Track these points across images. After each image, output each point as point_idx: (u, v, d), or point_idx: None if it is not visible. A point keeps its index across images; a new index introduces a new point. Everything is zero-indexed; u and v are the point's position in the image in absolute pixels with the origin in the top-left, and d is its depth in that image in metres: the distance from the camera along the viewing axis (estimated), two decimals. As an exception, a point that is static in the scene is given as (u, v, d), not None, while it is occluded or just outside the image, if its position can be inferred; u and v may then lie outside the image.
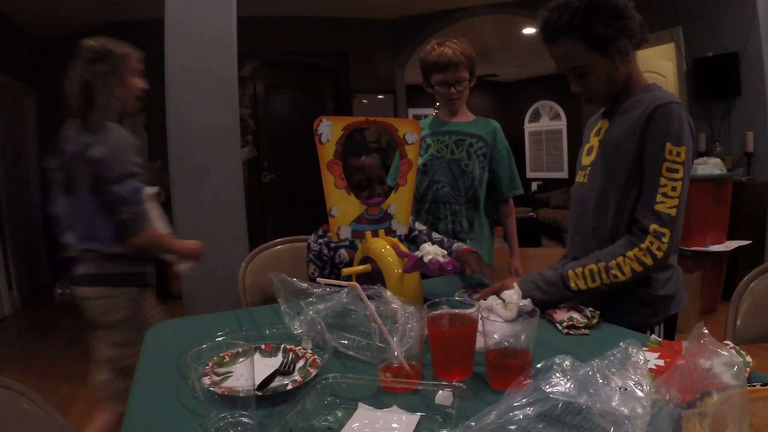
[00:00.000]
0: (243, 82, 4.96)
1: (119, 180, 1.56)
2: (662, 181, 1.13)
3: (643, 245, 1.13)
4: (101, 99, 1.61)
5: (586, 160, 1.34)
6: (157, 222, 1.75)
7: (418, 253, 1.15)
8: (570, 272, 1.16)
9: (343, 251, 1.50)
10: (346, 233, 1.24)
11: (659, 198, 1.13)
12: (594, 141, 1.33)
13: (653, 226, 1.12)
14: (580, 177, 1.35)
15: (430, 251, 1.14)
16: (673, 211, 1.12)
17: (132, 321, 1.69)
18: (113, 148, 1.56)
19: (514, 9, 5.34)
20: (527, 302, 0.89)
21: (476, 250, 2.01)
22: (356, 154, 1.48)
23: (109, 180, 1.56)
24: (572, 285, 1.16)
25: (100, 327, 1.70)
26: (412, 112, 8.61)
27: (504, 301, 0.91)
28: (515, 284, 1.08)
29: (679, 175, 1.12)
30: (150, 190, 1.74)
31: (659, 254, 1.12)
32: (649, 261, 1.12)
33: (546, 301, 1.15)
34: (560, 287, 1.17)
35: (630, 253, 1.13)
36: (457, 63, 1.86)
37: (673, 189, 1.12)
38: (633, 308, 1.23)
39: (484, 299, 1.04)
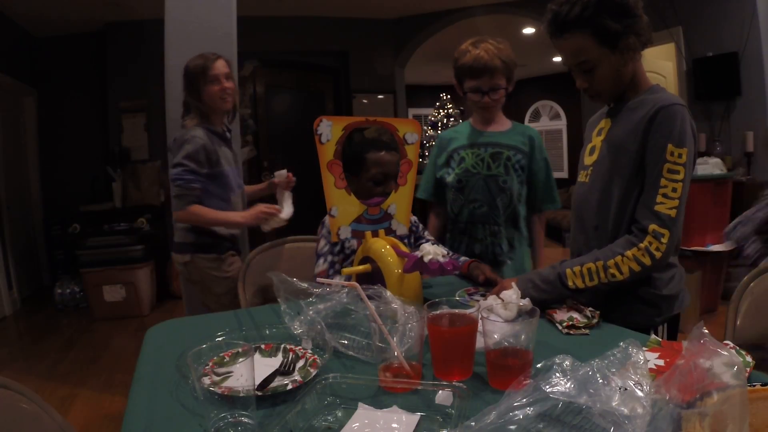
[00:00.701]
0: (243, 82, 4.96)
1: (173, 165, 1.95)
2: (663, 182, 1.13)
3: (642, 245, 1.13)
4: (193, 108, 2.02)
5: (588, 159, 1.34)
6: (286, 203, 2.07)
7: (418, 253, 1.15)
8: (568, 271, 1.16)
9: (354, 240, 1.48)
10: (346, 233, 1.24)
11: (659, 198, 1.13)
12: (596, 141, 1.33)
13: (652, 227, 1.13)
14: (582, 177, 1.35)
15: (430, 251, 1.14)
16: (672, 212, 1.12)
17: (214, 280, 2.01)
18: (179, 143, 1.95)
19: (514, 9, 5.34)
20: (527, 302, 0.89)
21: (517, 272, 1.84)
22: (377, 148, 1.49)
23: (170, 165, 1.99)
24: (570, 283, 1.16)
25: (192, 284, 2.09)
26: (412, 112, 8.62)
27: (504, 301, 0.91)
28: (513, 284, 1.08)
29: (680, 177, 1.13)
30: (280, 174, 2.10)
31: (658, 254, 1.12)
32: (647, 261, 1.12)
33: (544, 299, 1.15)
34: (558, 286, 1.17)
35: (629, 253, 1.13)
36: (492, 69, 1.71)
37: (674, 190, 1.12)
38: (636, 308, 1.23)
39: None
